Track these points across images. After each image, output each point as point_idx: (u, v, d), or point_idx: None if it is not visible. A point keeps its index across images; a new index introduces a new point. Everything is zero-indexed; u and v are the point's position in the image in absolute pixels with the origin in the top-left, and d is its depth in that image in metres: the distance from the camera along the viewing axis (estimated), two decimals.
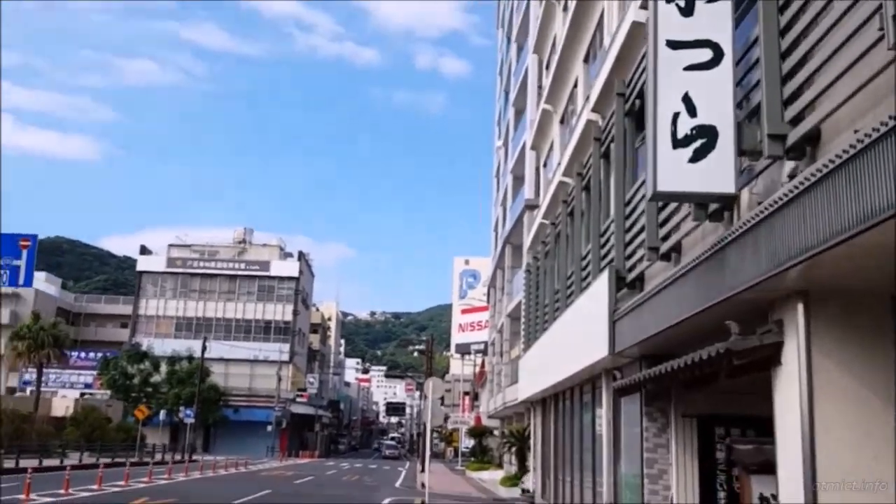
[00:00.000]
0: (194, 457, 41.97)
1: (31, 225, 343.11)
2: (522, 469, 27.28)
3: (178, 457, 40.60)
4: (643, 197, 9.56)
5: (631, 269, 10.87)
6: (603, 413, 12.73)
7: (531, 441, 23.63)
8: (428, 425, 20.91)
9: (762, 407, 6.97)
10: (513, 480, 26.38)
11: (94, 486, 20.00)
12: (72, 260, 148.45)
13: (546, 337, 18.42)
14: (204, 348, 48.25)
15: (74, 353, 63.55)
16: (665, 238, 9.16)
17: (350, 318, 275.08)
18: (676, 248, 8.92)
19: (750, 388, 7.51)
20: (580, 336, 13.47)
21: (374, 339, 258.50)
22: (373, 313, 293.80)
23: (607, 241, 12.43)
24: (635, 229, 10.61)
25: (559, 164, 19.20)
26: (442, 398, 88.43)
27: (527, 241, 26.05)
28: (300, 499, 19.27)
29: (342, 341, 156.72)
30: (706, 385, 8.06)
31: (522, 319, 25.01)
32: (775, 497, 6.73)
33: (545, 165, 24.45)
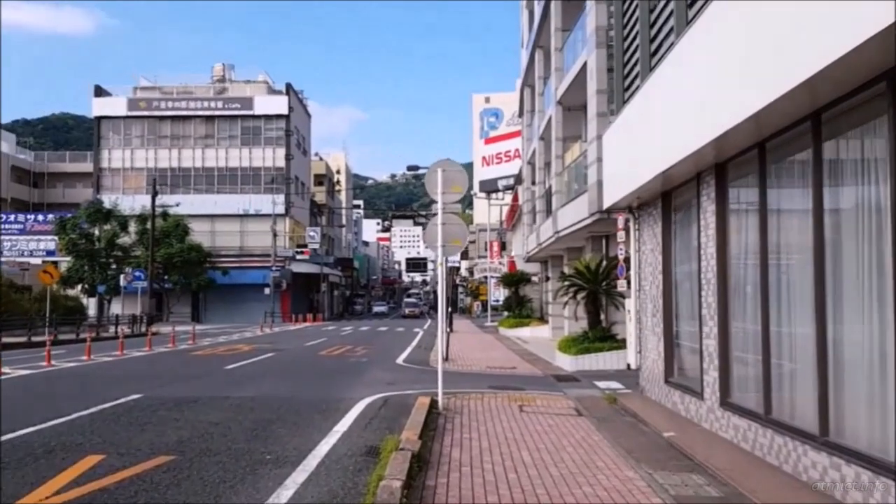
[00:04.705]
0: (154, 329, 32.89)
1: (36, 103, 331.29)
2: (595, 325, 17.21)
3: (127, 329, 31.43)
4: None
5: None
6: None
7: (628, 277, 13.24)
8: (439, 252, 10.47)
9: None
10: (582, 345, 16.34)
11: None
12: (80, 136, 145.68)
13: (695, 43, 7.55)
14: (154, 193, 37.91)
15: (31, 216, 54.30)
16: None
17: (370, 181, 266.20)
18: None
19: None
20: None
21: (397, 202, 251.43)
22: (393, 175, 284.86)
23: None
24: None
25: None
26: (466, 251, 79.16)
27: None
28: (171, 413, 9.31)
29: (360, 203, 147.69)
30: None
31: (600, 75, 13.98)
32: None
33: None
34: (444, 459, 6.88)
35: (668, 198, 10.52)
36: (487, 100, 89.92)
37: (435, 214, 10.55)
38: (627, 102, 11.35)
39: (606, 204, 12.66)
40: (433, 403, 9.72)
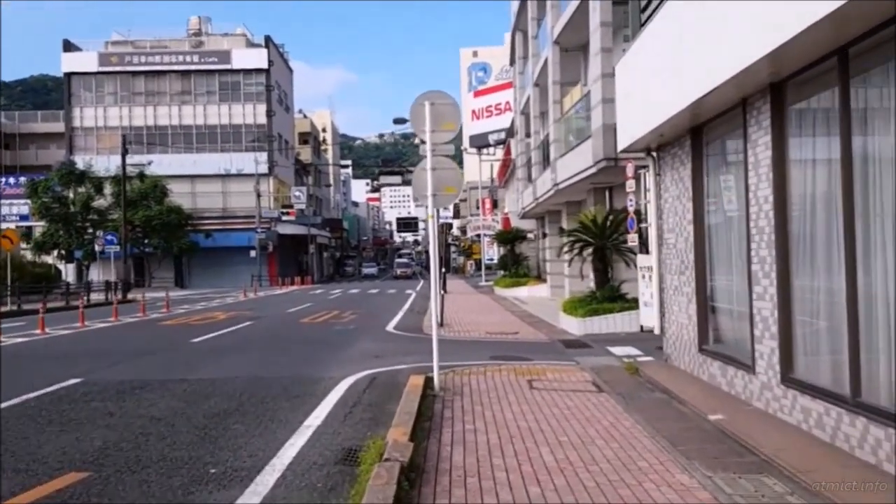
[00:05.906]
0: (132, 296, 31.22)
1: (14, 65, 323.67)
2: (604, 284, 15.69)
3: (101, 297, 29.72)
4: None
5: None
6: None
7: (640, 230, 11.66)
8: (430, 202, 8.80)
9: None
10: (589, 306, 14.83)
11: None
12: (59, 97, 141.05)
13: None
14: (125, 151, 35.74)
15: (2, 179, 52.00)
16: None
17: (358, 141, 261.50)
18: None
19: None
20: None
21: (386, 162, 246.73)
22: (381, 135, 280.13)
23: None
24: None
25: None
26: (457, 209, 77.30)
27: None
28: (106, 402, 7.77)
29: (349, 163, 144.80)
30: None
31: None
32: None
33: None
34: (443, 466, 5.34)
35: (698, 133, 8.88)
36: (475, 54, 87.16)
37: (424, 158, 8.84)
38: (646, 24, 9.58)
39: (621, 146, 10.96)
40: (428, 383, 8.19)
